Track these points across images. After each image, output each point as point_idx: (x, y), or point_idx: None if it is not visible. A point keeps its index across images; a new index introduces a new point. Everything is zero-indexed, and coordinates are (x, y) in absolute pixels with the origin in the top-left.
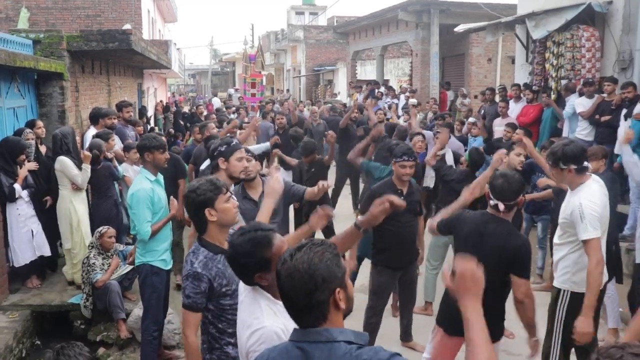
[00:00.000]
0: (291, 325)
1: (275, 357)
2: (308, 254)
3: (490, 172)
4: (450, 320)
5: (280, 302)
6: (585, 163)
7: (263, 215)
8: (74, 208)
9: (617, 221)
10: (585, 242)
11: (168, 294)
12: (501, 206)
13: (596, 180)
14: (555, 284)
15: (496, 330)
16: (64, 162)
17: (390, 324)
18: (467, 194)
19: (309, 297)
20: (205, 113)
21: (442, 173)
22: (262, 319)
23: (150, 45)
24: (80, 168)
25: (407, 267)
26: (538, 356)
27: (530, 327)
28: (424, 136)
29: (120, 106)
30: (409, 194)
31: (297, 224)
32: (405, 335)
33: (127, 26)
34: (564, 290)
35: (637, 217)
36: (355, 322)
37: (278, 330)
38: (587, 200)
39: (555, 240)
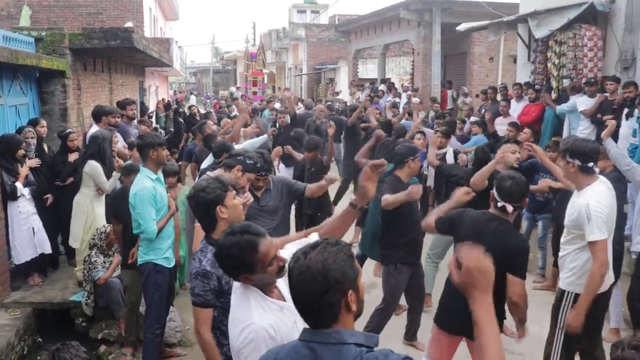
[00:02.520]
0: (282, 322)
1: (284, 356)
2: (322, 253)
3: (492, 167)
4: (451, 320)
5: (270, 298)
6: (591, 164)
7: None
8: (93, 208)
9: (620, 221)
10: (591, 243)
11: (171, 292)
12: (510, 208)
13: (603, 182)
14: (561, 285)
15: None
16: (94, 168)
17: (391, 322)
18: (461, 192)
19: (321, 297)
20: (203, 111)
21: (445, 172)
22: (251, 314)
23: (151, 43)
24: (107, 174)
25: (418, 262)
26: (539, 351)
27: (521, 323)
28: (424, 134)
29: (124, 104)
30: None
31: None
32: (411, 335)
33: (128, 24)
34: (569, 292)
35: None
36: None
37: (267, 326)
38: (594, 202)
39: (562, 241)
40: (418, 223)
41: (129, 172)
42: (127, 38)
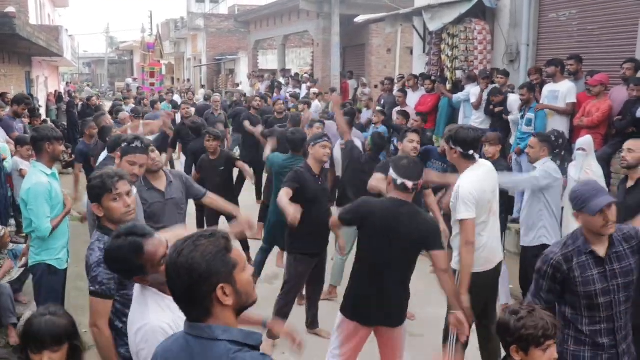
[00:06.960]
0: (180, 319)
1: (169, 345)
2: (190, 247)
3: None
4: (364, 312)
5: (170, 297)
6: (472, 152)
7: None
8: None
9: (506, 205)
10: (459, 222)
11: (64, 294)
12: (409, 184)
13: (483, 165)
14: (452, 265)
15: (402, 314)
16: None
17: (295, 312)
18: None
19: (188, 291)
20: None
21: (355, 156)
22: (147, 315)
23: (38, 31)
24: None
25: (321, 254)
26: (438, 332)
27: (454, 296)
28: (323, 123)
29: (20, 101)
30: (323, 179)
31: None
32: (313, 324)
33: (10, 9)
34: (457, 271)
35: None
36: (263, 312)
37: (164, 325)
38: (466, 183)
39: (452, 222)
40: (324, 214)
41: None
42: (7, 24)
